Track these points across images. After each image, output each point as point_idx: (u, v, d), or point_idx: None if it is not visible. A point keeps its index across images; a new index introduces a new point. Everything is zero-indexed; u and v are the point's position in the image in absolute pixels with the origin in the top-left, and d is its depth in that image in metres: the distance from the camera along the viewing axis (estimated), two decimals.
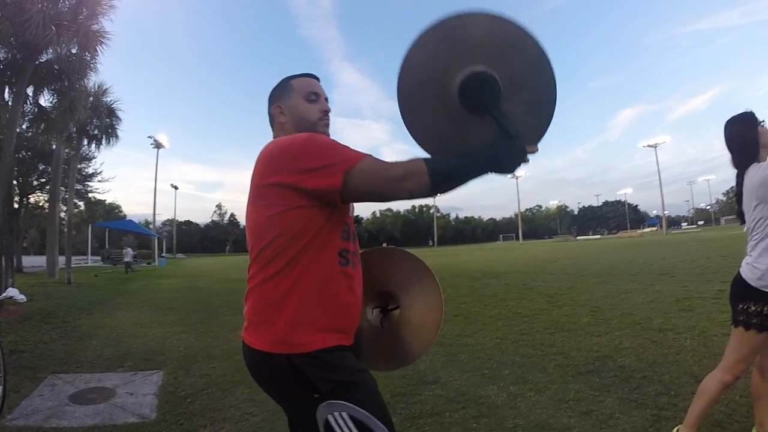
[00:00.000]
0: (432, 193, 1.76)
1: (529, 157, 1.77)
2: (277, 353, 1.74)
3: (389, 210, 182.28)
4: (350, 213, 2.02)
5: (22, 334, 9.31)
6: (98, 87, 28.32)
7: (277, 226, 1.78)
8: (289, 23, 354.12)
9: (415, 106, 1.85)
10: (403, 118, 1.87)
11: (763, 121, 3.33)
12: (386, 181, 1.73)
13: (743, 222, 3.43)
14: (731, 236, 40.28)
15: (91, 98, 26.85)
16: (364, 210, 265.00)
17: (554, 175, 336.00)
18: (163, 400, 5.31)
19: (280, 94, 2.13)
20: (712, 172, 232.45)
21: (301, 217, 1.77)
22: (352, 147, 1.79)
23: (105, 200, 73.57)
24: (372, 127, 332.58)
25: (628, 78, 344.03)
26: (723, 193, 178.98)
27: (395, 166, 1.73)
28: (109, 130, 29.51)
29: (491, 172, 1.75)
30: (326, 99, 2.15)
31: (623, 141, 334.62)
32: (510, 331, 8.01)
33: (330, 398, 1.68)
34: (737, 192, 3.41)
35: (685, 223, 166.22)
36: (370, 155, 1.77)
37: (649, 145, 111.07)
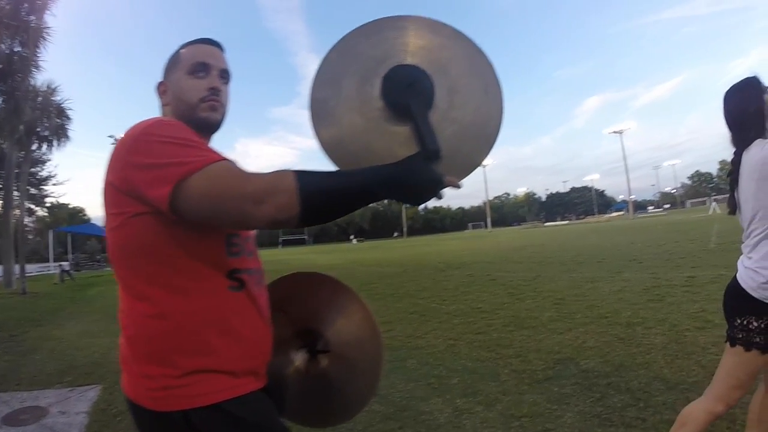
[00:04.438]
0: (301, 223, 1.30)
1: (445, 192, 1.41)
2: (169, 410, 1.36)
3: None
4: None
5: None
6: (47, 86, 27.67)
7: (126, 241, 1.43)
8: (255, 15, 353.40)
9: (332, 81, 1.57)
10: (312, 89, 1.58)
11: (767, 86, 2.66)
12: (237, 200, 1.27)
13: (733, 212, 2.79)
14: (697, 219, 40.89)
15: (39, 98, 26.22)
16: None
17: (522, 163, 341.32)
18: (93, 419, 4.86)
19: (167, 67, 1.70)
20: (677, 157, 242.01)
21: (149, 228, 1.39)
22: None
23: (68, 204, 72.89)
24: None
25: (594, 67, 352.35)
26: (688, 177, 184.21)
27: (254, 180, 1.28)
28: (59, 131, 28.84)
29: (391, 198, 1.37)
30: (224, 72, 1.69)
31: (589, 128, 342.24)
32: (466, 330, 7.41)
33: None
34: (732, 174, 2.74)
35: (652, 207, 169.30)
36: (227, 161, 1.36)
37: (614, 132, 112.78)
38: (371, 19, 1.58)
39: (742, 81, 2.73)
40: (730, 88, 2.76)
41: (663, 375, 4.70)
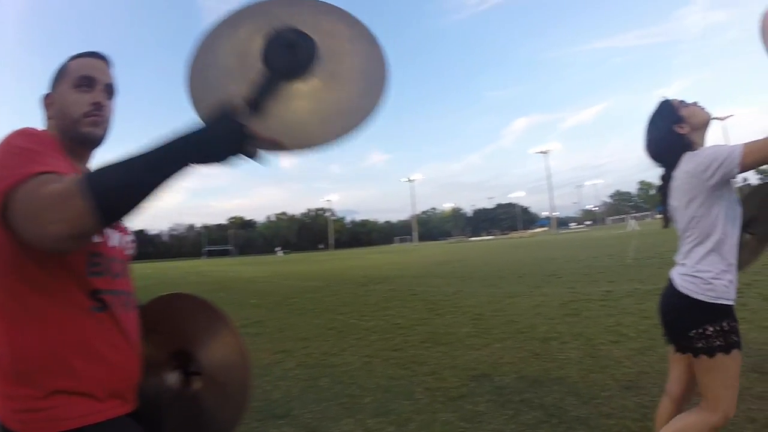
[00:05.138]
0: (105, 226, 1.21)
1: (265, 155, 1.30)
2: None
3: (284, 213, 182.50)
4: (111, 239, 1.57)
5: None
6: None
7: None
8: (195, 15, 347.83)
9: (233, 23, 1.51)
10: (212, 24, 1.52)
11: (681, 100, 2.80)
12: (31, 222, 1.19)
13: (666, 225, 2.93)
14: (616, 235, 42.19)
15: None
16: (257, 214, 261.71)
17: (450, 179, 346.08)
18: None
19: (54, 79, 1.64)
20: (599, 177, 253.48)
21: (8, 241, 1.31)
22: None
23: None
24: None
25: (524, 89, 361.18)
26: (609, 196, 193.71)
27: (44, 196, 1.18)
28: None
29: (198, 162, 1.23)
30: (109, 87, 1.64)
31: (517, 148, 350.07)
32: (383, 347, 7.25)
33: None
34: (662, 189, 2.86)
35: (574, 224, 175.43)
36: (49, 174, 1.25)
37: (540, 152, 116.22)
38: None
39: (654, 111, 2.86)
40: (648, 121, 2.89)
41: (577, 389, 4.67)
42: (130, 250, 1.71)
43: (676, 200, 2.71)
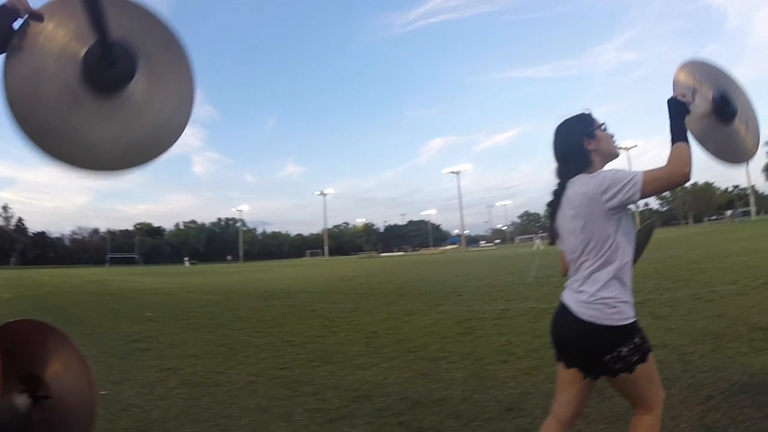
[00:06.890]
0: None
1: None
2: None
3: (193, 222, 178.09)
4: None
5: None
6: None
7: None
8: None
9: None
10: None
11: (603, 123, 2.81)
12: None
13: (553, 242, 2.88)
14: (522, 254, 43.31)
15: None
16: (165, 221, 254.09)
17: (364, 194, 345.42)
18: None
19: None
20: (509, 197, 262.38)
21: None
22: None
23: None
24: (185, 132, 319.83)
25: (442, 111, 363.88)
26: (518, 216, 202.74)
27: None
28: None
29: None
30: None
31: (431, 167, 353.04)
32: (270, 365, 7.07)
33: None
34: (553, 205, 2.83)
35: (484, 242, 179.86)
36: None
37: (452, 172, 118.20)
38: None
39: (573, 116, 2.83)
40: (561, 122, 2.85)
41: (458, 411, 4.65)
42: None
43: (570, 224, 2.66)
